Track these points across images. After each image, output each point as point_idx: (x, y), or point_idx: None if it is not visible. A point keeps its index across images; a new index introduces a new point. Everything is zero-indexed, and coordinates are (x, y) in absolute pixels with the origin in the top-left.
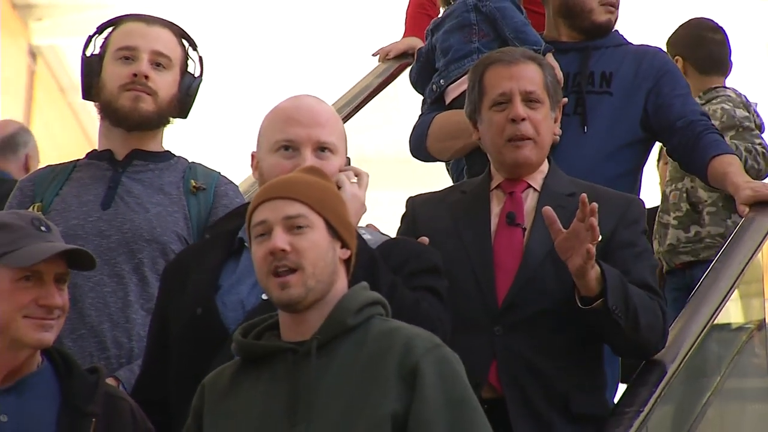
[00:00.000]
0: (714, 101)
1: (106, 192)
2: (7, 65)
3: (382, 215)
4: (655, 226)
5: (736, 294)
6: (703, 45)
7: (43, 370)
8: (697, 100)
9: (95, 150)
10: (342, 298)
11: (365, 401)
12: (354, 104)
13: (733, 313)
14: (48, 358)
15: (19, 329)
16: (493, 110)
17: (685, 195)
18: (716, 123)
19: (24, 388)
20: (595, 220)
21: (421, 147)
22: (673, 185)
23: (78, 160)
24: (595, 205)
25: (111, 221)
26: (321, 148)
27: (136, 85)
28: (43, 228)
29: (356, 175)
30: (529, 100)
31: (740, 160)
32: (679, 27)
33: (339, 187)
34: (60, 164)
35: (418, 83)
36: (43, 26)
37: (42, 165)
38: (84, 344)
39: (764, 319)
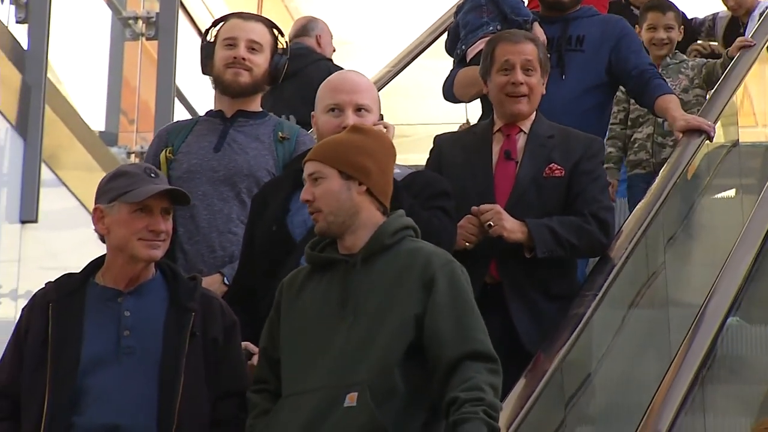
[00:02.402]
0: None
1: (218, 140)
2: None
3: None
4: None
5: (719, 124)
6: None
7: (156, 278)
8: None
9: (211, 110)
10: (383, 224)
11: (396, 302)
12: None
13: (719, 136)
14: (160, 269)
15: (135, 248)
16: (500, 74)
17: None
18: None
19: (142, 292)
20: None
21: (449, 93)
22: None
23: (200, 117)
24: (475, 209)
25: (220, 161)
26: (359, 109)
27: (235, 64)
28: (152, 175)
29: (385, 128)
30: (526, 68)
31: None
32: None
33: None
34: (186, 120)
35: (449, 50)
36: None
37: None
38: (198, 247)
39: (737, 140)
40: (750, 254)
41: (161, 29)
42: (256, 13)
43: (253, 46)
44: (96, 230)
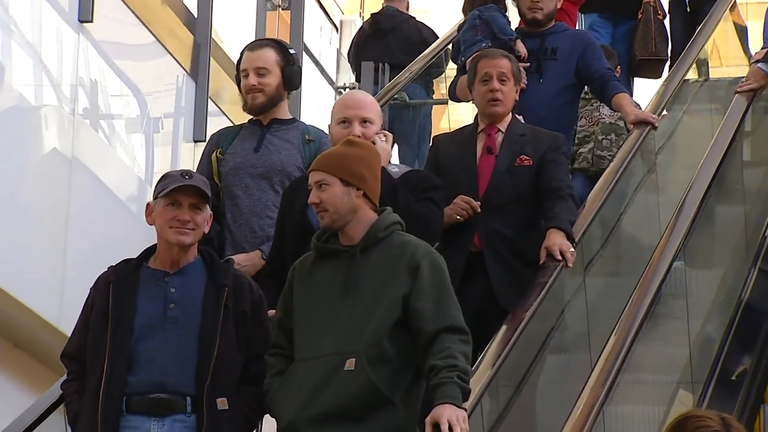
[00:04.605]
0: None
1: (257, 143)
2: None
3: None
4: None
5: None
6: None
7: (197, 261)
8: None
9: (252, 118)
10: (377, 220)
11: (388, 286)
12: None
13: (691, 73)
14: (201, 255)
15: (167, 234)
16: (481, 84)
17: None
18: None
19: (185, 272)
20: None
21: (453, 94)
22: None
23: (244, 123)
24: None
25: (259, 159)
26: (364, 121)
27: (251, 90)
28: (186, 176)
29: (384, 136)
30: (501, 79)
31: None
32: None
33: (374, 143)
34: (234, 125)
35: (454, 59)
36: None
37: None
38: (242, 230)
39: (708, 77)
40: (693, 209)
41: (293, 2)
42: (264, 38)
43: (260, 72)
44: (147, 222)
